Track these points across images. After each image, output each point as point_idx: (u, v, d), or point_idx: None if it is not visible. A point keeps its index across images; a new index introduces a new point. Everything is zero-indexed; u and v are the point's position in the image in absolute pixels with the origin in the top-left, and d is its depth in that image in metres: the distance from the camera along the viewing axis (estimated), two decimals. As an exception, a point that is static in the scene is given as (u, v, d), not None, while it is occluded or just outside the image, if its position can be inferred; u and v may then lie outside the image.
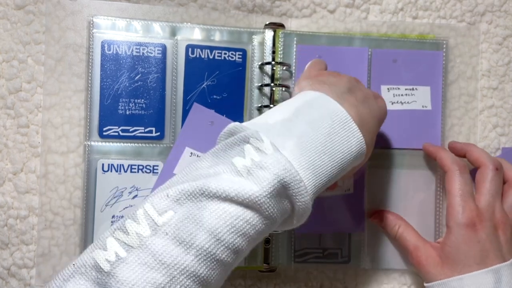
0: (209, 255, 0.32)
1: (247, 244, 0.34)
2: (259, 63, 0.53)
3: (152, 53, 0.51)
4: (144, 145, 0.51)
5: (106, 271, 0.31)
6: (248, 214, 0.33)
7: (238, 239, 0.33)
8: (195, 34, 0.52)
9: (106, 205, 0.50)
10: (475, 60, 0.56)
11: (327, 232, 0.53)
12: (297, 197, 0.35)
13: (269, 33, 0.53)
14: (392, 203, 0.53)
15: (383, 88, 0.54)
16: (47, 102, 0.51)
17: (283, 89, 0.52)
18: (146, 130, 0.51)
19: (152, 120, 0.51)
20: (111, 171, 0.50)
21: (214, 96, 0.52)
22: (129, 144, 0.51)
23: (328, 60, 0.52)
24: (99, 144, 0.50)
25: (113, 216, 0.50)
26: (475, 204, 0.46)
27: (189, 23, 0.52)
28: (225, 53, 0.52)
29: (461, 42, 0.55)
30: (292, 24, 0.54)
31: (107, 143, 0.51)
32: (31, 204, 0.50)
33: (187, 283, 0.32)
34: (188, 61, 0.52)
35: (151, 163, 0.51)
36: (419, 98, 0.54)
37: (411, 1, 0.55)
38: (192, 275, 0.32)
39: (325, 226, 0.53)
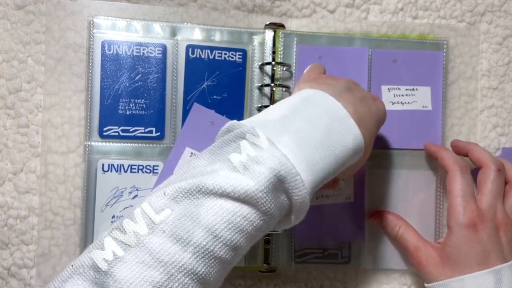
0: (207, 252, 0.32)
1: (246, 241, 0.33)
2: (259, 63, 0.52)
3: (152, 53, 0.51)
4: (144, 145, 0.51)
5: (104, 270, 0.30)
6: (245, 210, 0.33)
7: (235, 235, 0.33)
8: (195, 34, 0.51)
9: (106, 205, 0.50)
10: (475, 60, 0.55)
11: (327, 242, 0.53)
12: (294, 191, 0.34)
13: (269, 33, 0.52)
14: (392, 204, 0.53)
15: (384, 88, 0.53)
16: (47, 102, 0.50)
17: (283, 89, 0.52)
18: (146, 130, 0.50)
19: (152, 120, 0.51)
20: (111, 171, 0.50)
21: (214, 96, 0.51)
22: (129, 144, 0.50)
23: (328, 60, 0.52)
24: (99, 144, 0.50)
25: (113, 216, 0.50)
26: (476, 205, 0.46)
27: (189, 23, 0.52)
28: (225, 53, 0.52)
29: (461, 42, 0.55)
30: (292, 24, 0.53)
31: (107, 143, 0.50)
32: (31, 204, 0.50)
33: (185, 281, 0.31)
34: (188, 61, 0.51)
35: (151, 163, 0.50)
36: (420, 98, 0.53)
37: (411, 1, 0.55)
38: (190, 272, 0.31)
39: (325, 234, 0.52)
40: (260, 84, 0.52)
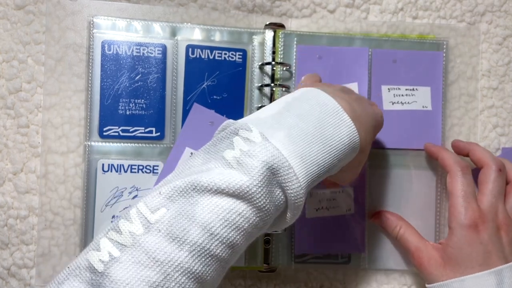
0: (203, 250, 0.31)
1: (242, 238, 0.33)
2: (259, 63, 0.52)
3: (152, 53, 0.50)
4: (144, 145, 0.50)
5: (100, 271, 0.30)
6: (240, 207, 0.32)
7: (232, 233, 0.32)
8: (195, 34, 0.51)
9: (106, 205, 0.49)
10: (475, 60, 0.54)
11: (327, 252, 0.52)
12: (288, 184, 0.34)
13: (269, 33, 0.51)
14: (393, 204, 0.52)
15: (384, 88, 0.52)
16: (47, 102, 0.49)
17: (283, 89, 0.51)
18: (146, 130, 0.50)
19: (152, 120, 0.50)
20: (111, 171, 0.49)
21: (214, 96, 0.51)
22: (129, 144, 0.50)
23: (328, 60, 0.52)
24: (99, 144, 0.49)
25: (113, 216, 0.49)
26: (478, 205, 0.45)
27: (189, 23, 0.51)
28: (225, 53, 0.51)
29: (461, 42, 0.54)
30: (292, 24, 0.53)
31: (107, 143, 0.49)
32: (31, 204, 0.49)
33: (182, 280, 0.31)
34: (188, 61, 0.50)
35: (151, 163, 0.50)
36: (419, 98, 0.53)
37: (411, 1, 0.54)
38: (186, 271, 0.31)
39: (325, 246, 0.52)
40: (260, 84, 0.52)
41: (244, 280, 0.52)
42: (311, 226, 0.51)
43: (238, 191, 0.32)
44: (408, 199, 0.52)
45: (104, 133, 0.49)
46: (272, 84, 0.51)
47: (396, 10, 0.54)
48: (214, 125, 0.50)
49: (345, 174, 0.42)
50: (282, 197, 0.34)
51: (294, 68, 0.52)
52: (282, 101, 0.39)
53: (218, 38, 0.51)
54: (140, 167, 0.50)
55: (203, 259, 0.31)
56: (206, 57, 0.51)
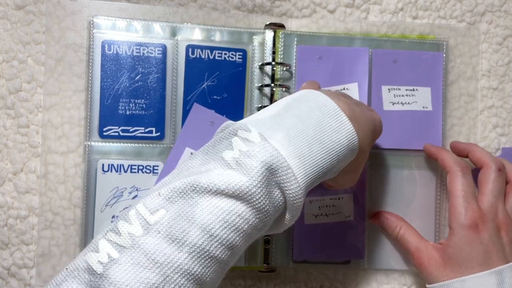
0: (203, 252, 0.31)
1: (242, 240, 0.32)
2: (259, 63, 0.51)
3: (152, 53, 0.50)
4: (144, 145, 0.50)
5: (99, 273, 0.30)
6: (240, 208, 0.32)
7: (231, 234, 0.32)
8: (195, 34, 0.50)
9: (106, 205, 0.49)
10: (475, 60, 0.54)
11: (326, 259, 0.52)
12: (286, 185, 0.33)
13: (269, 34, 0.51)
14: (393, 204, 0.52)
15: (384, 88, 0.52)
16: (47, 102, 0.49)
17: (283, 90, 0.51)
18: (146, 130, 0.50)
19: (152, 120, 0.50)
20: (111, 171, 0.49)
21: (214, 97, 0.50)
22: (129, 144, 0.49)
23: (328, 60, 0.51)
24: (99, 144, 0.49)
25: (113, 216, 0.49)
26: (478, 205, 0.45)
27: (189, 23, 0.51)
28: (225, 54, 0.51)
29: (461, 42, 0.54)
30: (292, 24, 0.52)
31: (107, 143, 0.49)
32: (31, 204, 0.49)
33: (182, 282, 0.30)
34: (188, 61, 0.50)
35: (151, 163, 0.49)
36: (420, 98, 0.52)
37: (411, 1, 0.54)
38: (186, 273, 0.30)
39: (324, 253, 0.51)
40: (260, 84, 0.51)
41: (244, 280, 0.51)
42: (310, 232, 0.51)
43: (238, 192, 0.32)
44: (408, 199, 0.52)
45: (104, 133, 0.49)
46: (272, 84, 0.51)
47: (396, 10, 0.54)
48: (214, 125, 0.50)
49: (344, 178, 0.42)
50: (281, 198, 0.34)
51: (294, 68, 0.51)
52: (282, 103, 0.39)
53: (218, 38, 0.51)
54: (140, 167, 0.49)
55: (203, 261, 0.31)
56: (206, 57, 0.50)
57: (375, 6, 0.53)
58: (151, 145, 0.50)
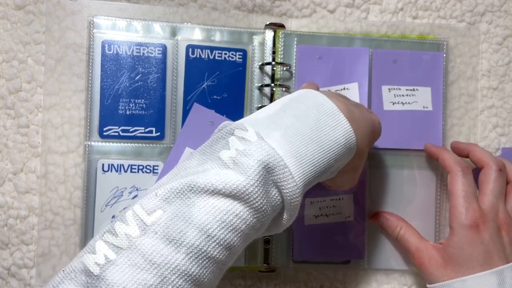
0: (200, 252, 0.30)
1: (239, 240, 0.32)
2: (260, 63, 0.51)
3: (152, 53, 0.49)
4: (144, 145, 0.49)
5: (95, 274, 0.29)
6: (237, 208, 0.31)
7: (229, 234, 0.31)
8: (195, 34, 0.50)
9: (106, 205, 0.48)
10: (475, 60, 0.54)
11: (326, 259, 0.51)
12: (283, 184, 0.33)
13: (269, 34, 0.51)
14: (393, 204, 0.51)
15: (384, 88, 0.51)
16: (47, 102, 0.49)
17: (283, 90, 0.50)
18: (146, 130, 0.49)
19: (152, 120, 0.49)
20: (111, 171, 0.48)
21: (214, 96, 0.50)
22: (129, 144, 0.49)
23: (328, 60, 0.51)
24: (99, 144, 0.49)
25: (113, 216, 0.48)
26: (478, 205, 0.44)
27: (189, 23, 0.50)
28: (225, 53, 0.50)
29: (461, 42, 0.53)
30: (292, 24, 0.52)
31: (107, 143, 0.49)
32: (31, 204, 0.49)
33: (179, 283, 0.30)
34: (189, 61, 0.50)
35: (151, 163, 0.49)
36: (420, 98, 0.52)
37: (411, 1, 0.53)
38: (183, 274, 0.30)
39: (324, 253, 0.51)
40: (260, 84, 0.51)
41: (244, 280, 0.51)
42: (310, 232, 0.50)
43: (235, 191, 0.31)
44: (408, 199, 0.52)
45: (104, 133, 0.49)
46: (272, 84, 0.50)
47: (396, 10, 0.53)
48: (214, 125, 0.49)
49: (343, 179, 0.41)
50: (278, 197, 0.34)
51: (294, 68, 0.51)
52: (279, 102, 0.38)
53: (218, 38, 0.50)
54: (140, 167, 0.49)
55: (200, 261, 0.30)
56: (206, 57, 0.50)
57: (375, 6, 0.53)
58: (151, 145, 0.49)
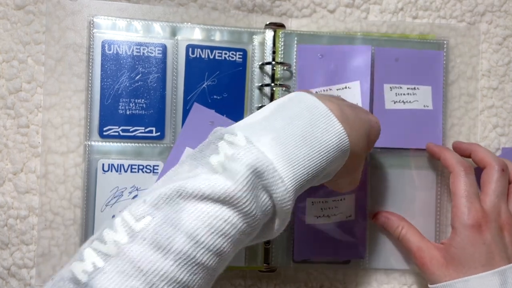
0: (189, 259, 0.29)
1: (229, 245, 0.31)
2: (260, 63, 0.50)
3: (152, 53, 0.48)
4: (144, 145, 0.48)
5: (83, 282, 0.28)
6: (226, 213, 0.30)
7: (218, 240, 0.30)
8: (195, 34, 0.49)
9: (106, 205, 0.47)
10: (475, 60, 0.53)
11: (327, 259, 0.50)
12: (273, 188, 0.32)
13: (269, 33, 0.50)
14: (394, 204, 0.50)
15: (386, 86, 0.51)
16: (47, 102, 0.48)
17: (284, 89, 0.49)
18: (147, 130, 0.48)
19: (153, 120, 0.48)
20: (111, 171, 0.48)
21: (215, 96, 0.49)
22: (129, 144, 0.48)
23: (330, 59, 0.50)
24: (99, 144, 0.48)
25: (113, 216, 0.47)
26: (481, 205, 0.43)
27: (189, 23, 0.49)
28: (225, 53, 0.49)
29: (461, 42, 0.53)
30: (292, 24, 0.51)
31: (107, 143, 0.48)
32: (31, 204, 0.48)
33: None
34: (189, 61, 0.49)
35: (151, 163, 0.48)
36: (421, 97, 0.51)
37: (411, 1, 0.52)
38: (172, 281, 0.29)
39: (325, 253, 0.50)
40: (260, 84, 0.50)
41: (244, 280, 0.50)
42: (311, 232, 0.49)
43: (223, 196, 0.30)
44: (409, 199, 0.51)
45: (104, 133, 0.48)
46: (273, 84, 0.49)
47: (396, 10, 0.52)
48: (214, 125, 0.48)
49: (342, 181, 0.40)
50: (269, 202, 0.33)
51: (294, 67, 0.50)
52: (271, 106, 0.37)
53: (218, 38, 0.50)
54: (140, 167, 0.48)
55: (189, 268, 0.29)
56: (206, 57, 0.49)
57: (375, 6, 0.52)
58: (151, 144, 0.48)
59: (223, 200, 0.30)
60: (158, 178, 0.48)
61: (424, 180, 0.51)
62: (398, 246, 0.51)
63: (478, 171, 0.46)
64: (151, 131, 0.48)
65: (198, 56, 0.49)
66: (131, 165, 0.48)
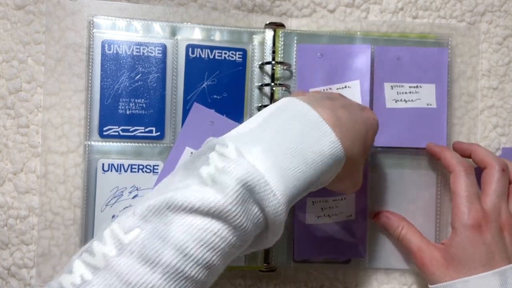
0: (177, 272, 0.29)
1: (219, 258, 0.30)
2: (259, 62, 0.50)
3: (152, 53, 0.48)
4: (144, 145, 0.48)
5: None
6: (216, 226, 0.30)
7: (207, 253, 0.30)
8: (195, 34, 0.49)
9: (106, 205, 0.47)
10: (475, 60, 0.52)
11: (327, 259, 0.50)
12: (265, 202, 0.31)
13: (269, 33, 0.49)
14: (394, 204, 0.50)
15: (386, 85, 0.50)
16: (47, 102, 0.47)
17: (284, 89, 0.49)
18: (146, 130, 0.48)
19: (152, 120, 0.48)
20: (111, 171, 0.47)
21: (214, 96, 0.49)
22: (129, 144, 0.48)
23: (330, 58, 0.49)
24: (99, 144, 0.47)
25: (113, 216, 0.47)
26: (481, 205, 0.43)
27: (189, 23, 0.49)
28: (225, 53, 0.49)
29: (461, 42, 0.52)
30: (292, 24, 0.51)
31: (107, 143, 0.47)
32: (31, 204, 0.47)
33: None
34: (188, 61, 0.49)
35: (151, 163, 0.48)
36: (424, 96, 0.50)
37: (411, 0, 0.52)
38: None
39: (325, 252, 0.49)
40: (260, 84, 0.50)
41: (244, 280, 0.50)
42: (311, 232, 0.49)
43: (213, 210, 0.30)
44: (410, 198, 0.50)
45: (104, 133, 0.47)
46: (272, 84, 0.49)
47: (396, 10, 0.52)
48: (214, 125, 0.48)
49: (344, 184, 0.40)
50: (260, 215, 0.32)
51: (294, 67, 0.50)
52: (261, 115, 0.36)
53: (218, 37, 0.49)
54: (140, 167, 0.48)
55: (177, 282, 0.29)
56: (206, 56, 0.49)
57: (375, 6, 0.52)
58: (151, 144, 0.48)
59: (213, 214, 0.30)
60: (158, 178, 0.48)
61: (424, 180, 0.50)
62: (398, 246, 0.50)
63: (479, 171, 0.46)
64: (151, 131, 0.48)
65: (198, 56, 0.49)
66: (131, 165, 0.48)
